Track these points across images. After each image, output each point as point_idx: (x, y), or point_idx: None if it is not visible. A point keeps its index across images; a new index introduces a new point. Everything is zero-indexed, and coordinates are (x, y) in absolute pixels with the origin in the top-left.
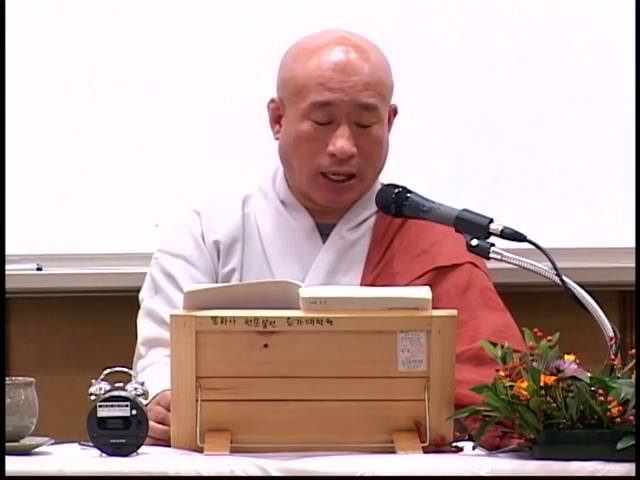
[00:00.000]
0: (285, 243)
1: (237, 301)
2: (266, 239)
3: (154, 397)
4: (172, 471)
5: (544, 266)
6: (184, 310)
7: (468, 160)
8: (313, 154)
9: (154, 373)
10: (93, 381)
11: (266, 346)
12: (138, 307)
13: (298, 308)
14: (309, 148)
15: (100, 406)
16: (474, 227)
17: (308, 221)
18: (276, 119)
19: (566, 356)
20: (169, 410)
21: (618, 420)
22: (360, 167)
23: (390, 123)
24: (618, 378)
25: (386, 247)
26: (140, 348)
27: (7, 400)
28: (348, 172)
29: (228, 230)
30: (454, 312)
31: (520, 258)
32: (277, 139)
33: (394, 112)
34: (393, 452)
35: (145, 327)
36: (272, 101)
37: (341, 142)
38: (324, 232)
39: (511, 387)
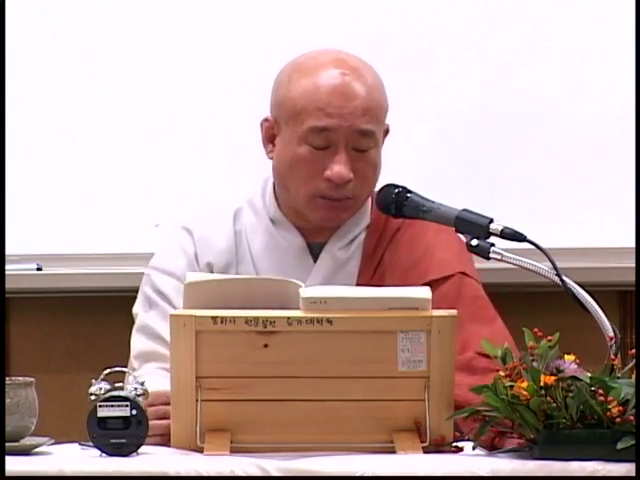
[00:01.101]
0: (276, 264)
1: (237, 295)
2: (258, 261)
3: None
4: (172, 471)
5: (544, 266)
6: (184, 303)
7: (468, 160)
8: (310, 178)
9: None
10: (93, 381)
11: (266, 346)
12: None
13: (298, 307)
14: (306, 171)
15: (100, 406)
16: (474, 227)
17: (298, 241)
18: (269, 138)
19: (566, 356)
20: (165, 405)
21: (618, 420)
22: (356, 190)
23: (382, 142)
24: (618, 378)
25: (377, 263)
26: (133, 362)
27: (7, 400)
28: (344, 196)
29: (221, 251)
30: (454, 312)
31: (520, 258)
32: (270, 158)
33: (386, 132)
34: (393, 452)
35: (138, 342)
36: (266, 120)
37: (338, 168)
38: (315, 251)
39: (511, 387)
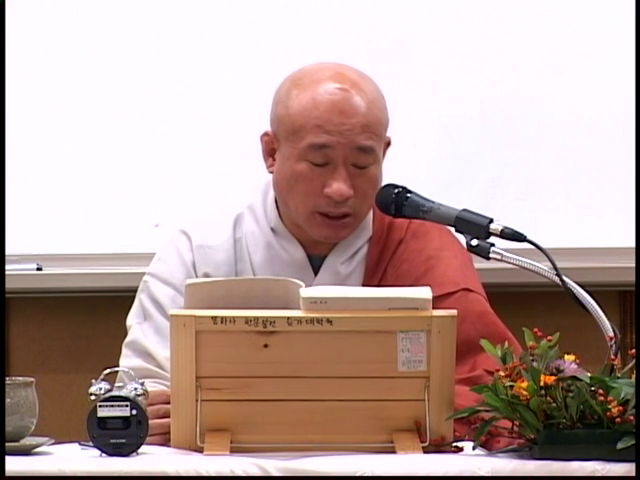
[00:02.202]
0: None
1: (238, 296)
2: (258, 272)
3: None
4: (172, 471)
5: (544, 266)
6: (185, 304)
7: (468, 160)
8: (309, 194)
9: None
10: (93, 381)
11: (266, 346)
12: None
13: (298, 307)
14: (305, 188)
15: (100, 406)
16: (474, 227)
17: (299, 253)
18: (269, 152)
19: (566, 356)
20: (165, 403)
21: (618, 420)
22: (355, 207)
23: (383, 155)
24: (618, 378)
25: (380, 277)
26: (124, 378)
27: (7, 400)
28: (344, 213)
29: (220, 263)
30: (454, 312)
31: (520, 258)
32: (271, 172)
33: (387, 144)
34: (393, 452)
35: (129, 359)
36: (266, 134)
37: (338, 185)
38: (315, 264)
39: (511, 387)
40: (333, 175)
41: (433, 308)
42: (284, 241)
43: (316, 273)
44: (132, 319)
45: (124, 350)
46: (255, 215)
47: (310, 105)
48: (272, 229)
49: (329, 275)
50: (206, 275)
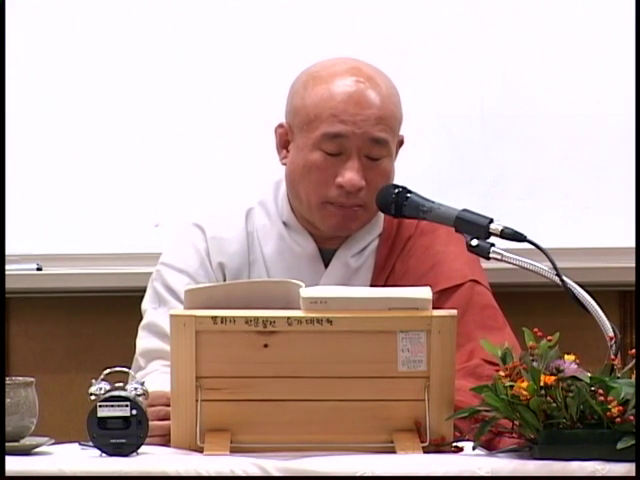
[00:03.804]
0: (288, 269)
1: (238, 299)
2: (270, 264)
3: None
4: (172, 471)
5: (544, 266)
6: (185, 309)
7: (468, 160)
8: (322, 184)
9: (151, 381)
10: (93, 381)
11: (266, 346)
12: (138, 307)
13: (298, 308)
14: (318, 178)
15: (100, 406)
16: (474, 227)
17: (311, 246)
18: (283, 144)
19: (566, 356)
20: (166, 405)
21: (618, 420)
22: (367, 199)
23: (396, 153)
24: (618, 378)
25: (389, 273)
26: (139, 360)
27: (7, 400)
28: (355, 204)
29: (234, 254)
30: (454, 312)
31: (520, 258)
32: (284, 164)
33: (400, 143)
34: (393, 452)
35: (145, 339)
36: (280, 126)
37: (350, 175)
38: (326, 257)
39: (511, 387)
40: (346, 165)
41: (441, 302)
42: (296, 234)
43: (326, 266)
44: (147, 304)
45: (140, 332)
46: (267, 210)
47: (326, 96)
48: (284, 223)
49: (339, 268)
50: (220, 264)
